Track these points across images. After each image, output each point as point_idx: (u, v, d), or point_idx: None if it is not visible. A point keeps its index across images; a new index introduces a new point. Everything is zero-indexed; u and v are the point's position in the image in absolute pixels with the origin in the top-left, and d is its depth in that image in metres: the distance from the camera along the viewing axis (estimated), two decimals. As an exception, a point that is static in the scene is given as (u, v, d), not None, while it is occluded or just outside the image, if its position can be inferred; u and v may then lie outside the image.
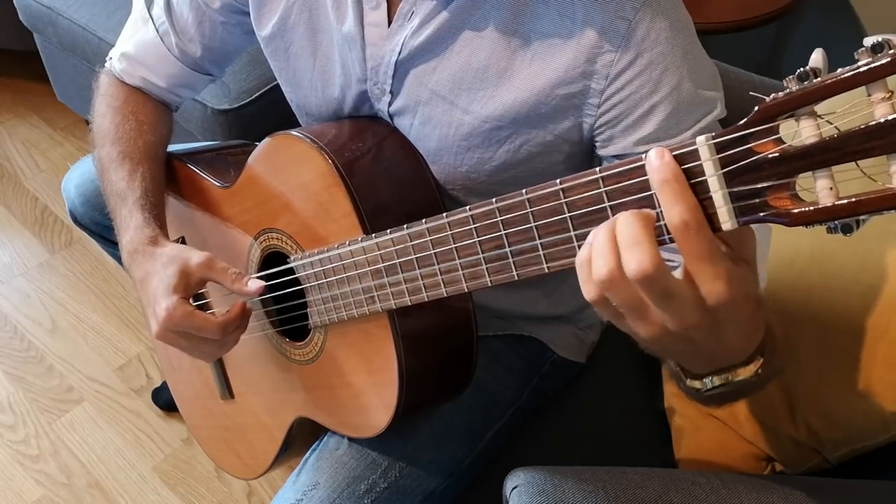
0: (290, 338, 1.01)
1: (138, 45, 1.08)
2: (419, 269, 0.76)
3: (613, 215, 0.57)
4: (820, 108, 0.48)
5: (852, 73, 0.45)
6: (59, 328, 1.89)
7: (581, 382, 1.19)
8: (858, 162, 0.46)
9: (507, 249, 0.66)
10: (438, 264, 0.73)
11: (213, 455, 1.26)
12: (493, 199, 0.65)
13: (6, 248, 2.06)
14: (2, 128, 2.35)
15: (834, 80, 0.46)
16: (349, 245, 0.83)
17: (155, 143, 1.07)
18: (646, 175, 0.55)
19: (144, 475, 1.64)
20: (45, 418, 1.73)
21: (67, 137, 2.32)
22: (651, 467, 0.88)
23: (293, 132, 0.91)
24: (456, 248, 0.71)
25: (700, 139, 0.52)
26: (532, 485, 0.84)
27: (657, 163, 0.53)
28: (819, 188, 0.48)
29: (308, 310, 0.94)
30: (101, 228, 1.29)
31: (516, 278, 0.67)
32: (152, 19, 1.06)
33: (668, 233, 0.54)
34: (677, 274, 0.54)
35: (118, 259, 1.04)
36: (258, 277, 0.88)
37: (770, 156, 0.50)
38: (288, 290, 0.95)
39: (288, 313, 0.99)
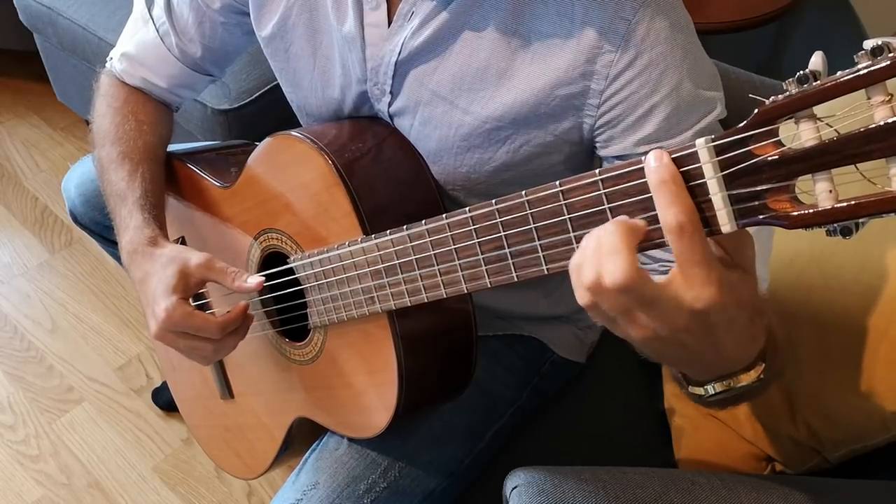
0: (289, 338, 1.01)
1: (139, 46, 1.08)
2: (419, 269, 0.76)
3: (614, 217, 0.57)
4: (819, 110, 0.48)
5: (852, 76, 0.45)
6: (59, 328, 1.89)
7: (581, 382, 1.19)
8: (858, 165, 0.46)
9: (507, 251, 0.66)
10: (438, 265, 0.73)
11: (213, 455, 1.26)
12: (493, 201, 0.65)
13: (6, 248, 2.06)
14: (2, 128, 2.35)
15: (833, 83, 0.46)
16: (349, 245, 0.83)
17: (155, 143, 1.07)
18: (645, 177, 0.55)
19: (144, 475, 1.64)
20: (45, 418, 1.73)
21: (67, 137, 2.32)
22: (651, 467, 0.88)
23: (293, 132, 0.91)
24: (455, 249, 0.71)
25: (699, 141, 0.52)
26: (532, 485, 0.84)
27: (654, 164, 0.53)
28: (818, 191, 0.48)
29: (308, 310, 0.94)
30: (101, 228, 1.29)
31: (516, 279, 0.67)
32: (153, 20, 1.06)
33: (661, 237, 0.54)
34: (661, 278, 0.54)
35: (118, 259, 1.04)
36: (258, 277, 0.88)
37: (769, 158, 0.50)
38: (288, 291, 0.95)
39: (288, 313, 0.99)
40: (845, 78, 0.46)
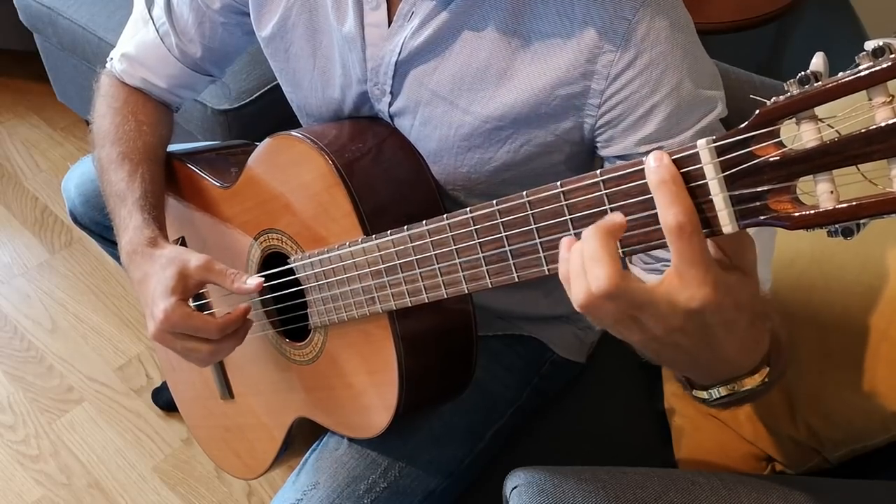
0: (290, 338, 1.01)
1: (139, 46, 1.08)
2: (419, 270, 0.76)
3: None
4: (821, 111, 0.48)
5: (853, 77, 0.45)
6: (59, 328, 1.89)
7: (581, 382, 1.19)
8: (859, 166, 0.46)
9: (508, 251, 0.66)
10: (439, 265, 0.73)
11: (213, 455, 1.26)
12: (494, 201, 0.65)
13: (6, 248, 2.06)
14: (2, 128, 2.35)
15: (835, 84, 0.46)
16: (349, 246, 0.83)
17: (155, 143, 1.07)
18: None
19: (144, 475, 1.64)
20: (45, 418, 1.73)
21: (67, 137, 2.32)
22: (651, 467, 0.88)
23: (293, 133, 0.91)
24: (456, 249, 0.71)
25: (700, 142, 0.52)
26: (532, 485, 0.84)
27: (654, 165, 0.53)
28: (820, 192, 0.48)
29: (308, 310, 0.94)
30: (101, 228, 1.29)
31: (517, 280, 0.67)
32: (153, 20, 1.06)
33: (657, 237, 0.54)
34: (655, 278, 0.54)
35: (118, 259, 1.04)
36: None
37: (771, 159, 0.50)
38: (288, 291, 0.95)
39: (288, 314, 0.99)
40: (846, 79, 0.46)
